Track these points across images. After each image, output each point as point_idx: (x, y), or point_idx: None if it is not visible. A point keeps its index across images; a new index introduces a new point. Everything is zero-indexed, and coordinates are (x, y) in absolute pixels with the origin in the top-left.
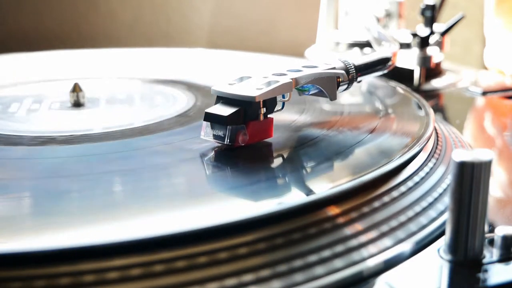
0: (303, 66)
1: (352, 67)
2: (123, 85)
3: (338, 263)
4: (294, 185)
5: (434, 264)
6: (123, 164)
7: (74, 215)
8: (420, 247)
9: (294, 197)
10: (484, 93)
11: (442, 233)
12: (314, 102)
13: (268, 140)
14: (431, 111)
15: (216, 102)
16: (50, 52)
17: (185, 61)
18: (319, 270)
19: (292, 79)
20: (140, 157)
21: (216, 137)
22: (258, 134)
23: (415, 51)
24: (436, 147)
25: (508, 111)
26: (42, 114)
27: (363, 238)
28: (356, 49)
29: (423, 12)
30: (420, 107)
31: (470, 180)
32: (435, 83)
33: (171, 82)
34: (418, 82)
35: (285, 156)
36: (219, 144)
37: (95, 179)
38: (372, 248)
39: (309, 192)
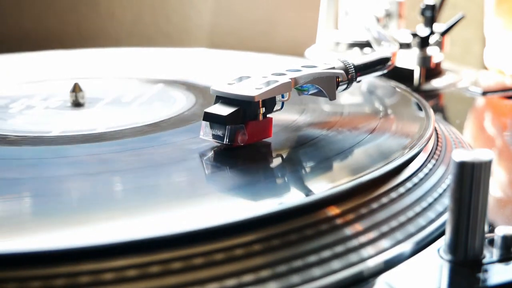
0: (302, 66)
1: (352, 67)
2: (123, 85)
3: (338, 263)
4: (294, 186)
5: (434, 264)
6: (122, 164)
7: (71, 215)
8: (420, 247)
9: (293, 198)
10: (484, 93)
11: (442, 233)
12: (314, 103)
13: (268, 140)
14: (431, 111)
15: (215, 102)
16: (50, 52)
17: (185, 61)
18: (318, 270)
19: (291, 79)
20: (139, 157)
21: (215, 136)
22: (257, 134)
23: (415, 51)
24: (436, 147)
25: (508, 111)
26: (42, 114)
27: (363, 238)
28: (356, 49)
29: (423, 12)
30: (420, 107)
31: (470, 180)
32: (435, 83)
33: (171, 82)
34: (418, 82)
35: (284, 156)
36: (218, 144)
37: (93, 179)
38: (372, 248)
39: (308, 192)
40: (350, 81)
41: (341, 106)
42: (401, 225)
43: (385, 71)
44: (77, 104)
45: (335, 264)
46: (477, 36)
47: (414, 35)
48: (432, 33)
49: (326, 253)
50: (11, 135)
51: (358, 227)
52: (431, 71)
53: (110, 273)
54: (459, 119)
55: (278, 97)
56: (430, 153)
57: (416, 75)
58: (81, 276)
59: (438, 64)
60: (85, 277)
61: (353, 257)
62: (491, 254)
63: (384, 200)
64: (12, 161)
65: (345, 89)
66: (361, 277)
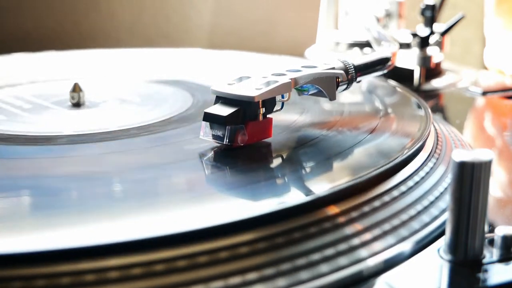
0: (302, 66)
1: (352, 67)
2: (122, 85)
3: (338, 262)
4: (294, 185)
5: (434, 264)
6: (122, 164)
7: (74, 214)
8: (420, 247)
9: (293, 197)
10: (484, 93)
11: (442, 233)
12: (314, 103)
13: (268, 140)
14: (429, 110)
15: (215, 102)
16: (50, 52)
17: (185, 61)
18: (319, 270)
19: (291, 79)
20: (139, 157)
21: (215, 137)
22: (257, 134)
23: (415, 51)
24: (436, 147)
25: (508, 111)
26: (42, 114)
27: (363, 237)
28: (356, 49)
29: (423, 12)
30: (419, 107)
31: (470, 180)
32: (435, 83)
33: (171, 82)
34: (418, 82)
35: (284, 156)
36: (218, 144)
37: (94, 179)
38: (372, 248)
39: (307, 192)
40: (350, 81)
41: (341, 106)
42: (401, 224)
43: (385, 71)
44: (77, 104)
45: (335, 263)
46: (477, 36)
47: (414, 35)
48: (432, 33)
49: (325, 253)
50: (10, 134)
51: (358, 226)
52: (431, 71)
53: (114, 271)
54: (459, 119)
55: (278, 98)
56: (430, 153)
57: (416, 75)
58: (86, 275)
59: (438, 64)
60: (89, 275)
61: (352, 257)
62: (491, 254)
63: (384, 199)
64: (10, 160)
65: (345, 89)
66: (361, 277)
